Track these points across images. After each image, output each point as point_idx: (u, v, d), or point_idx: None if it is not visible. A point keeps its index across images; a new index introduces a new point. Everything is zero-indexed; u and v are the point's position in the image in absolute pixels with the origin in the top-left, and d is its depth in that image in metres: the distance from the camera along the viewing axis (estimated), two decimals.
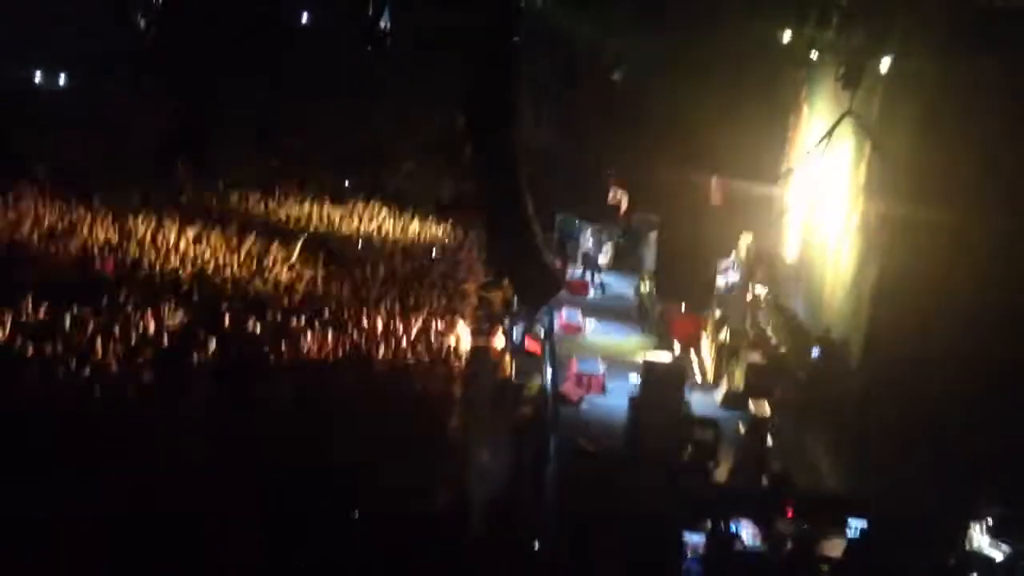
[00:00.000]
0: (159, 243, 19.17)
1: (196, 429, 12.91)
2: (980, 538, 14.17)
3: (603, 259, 26.38)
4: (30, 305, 15.18)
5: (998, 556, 13.94)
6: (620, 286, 26.01)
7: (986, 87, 15.17)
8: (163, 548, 10.48)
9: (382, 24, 28.72)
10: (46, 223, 19.40)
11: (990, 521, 14.08)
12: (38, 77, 26.02)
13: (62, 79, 26.22)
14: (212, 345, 14.90)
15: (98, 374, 13.85)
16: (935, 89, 16.41)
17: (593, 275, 25.82)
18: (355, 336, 16.46)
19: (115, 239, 19.11)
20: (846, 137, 19.72)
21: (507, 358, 19.06)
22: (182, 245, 19.12)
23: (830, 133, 19.74)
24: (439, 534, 12.20)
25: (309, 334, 15.82)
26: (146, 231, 19.50)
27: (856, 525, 14.61)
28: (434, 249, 21.62)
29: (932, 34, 16.77)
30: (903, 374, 15.94)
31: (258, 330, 15.85)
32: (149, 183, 22.26)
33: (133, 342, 15.01)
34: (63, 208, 20.14)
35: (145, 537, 10.51)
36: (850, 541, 14.44)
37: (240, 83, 26.58)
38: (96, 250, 18.45)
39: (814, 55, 20.38)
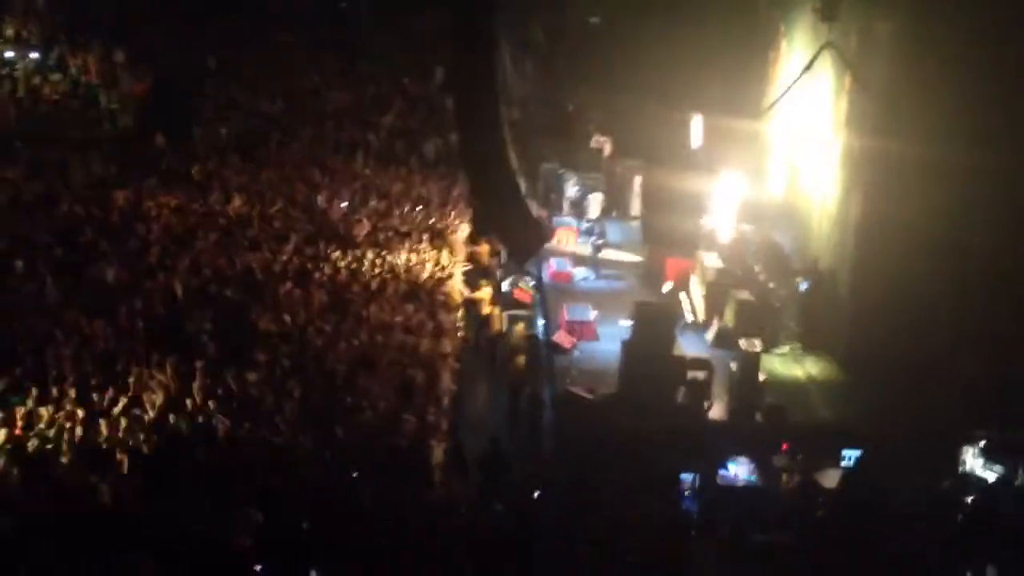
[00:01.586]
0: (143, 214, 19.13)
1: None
2: (973, 460, 14.35)
3: (594, 209, 26.01)
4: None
5: (991, 477, 14.13)
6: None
7: (963, 14, 15.11)
8: None
9: None
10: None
11: (982, 443, 14.26)
12: (9, 52, 25.66)
13: (33, 54, 25.86)
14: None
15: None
16: (911, 18, 16.34)
17: (579, 223, 25.67)
18: (346, 296, 16.52)
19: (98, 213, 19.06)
20: (826, 70, 19.64)
21: (496, 310, 19.11)
22: (165, 215, 19.08)
23: (809, 66, 19.65)
24: (435, 485, 12.32)
25: (299, 298, 15.87)
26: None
27: (850, 455, 14.78)
28: (420, 206, 21.55)
29: None
30: (891, 301, 16.06)
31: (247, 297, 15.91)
32: (128, 155, 22.08)
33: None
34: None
35: None
36: (845, 471, 14.61)
37: (212, 45, 26.34)
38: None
39: None
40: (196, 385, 13.35)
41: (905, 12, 16.56)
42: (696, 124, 24.62)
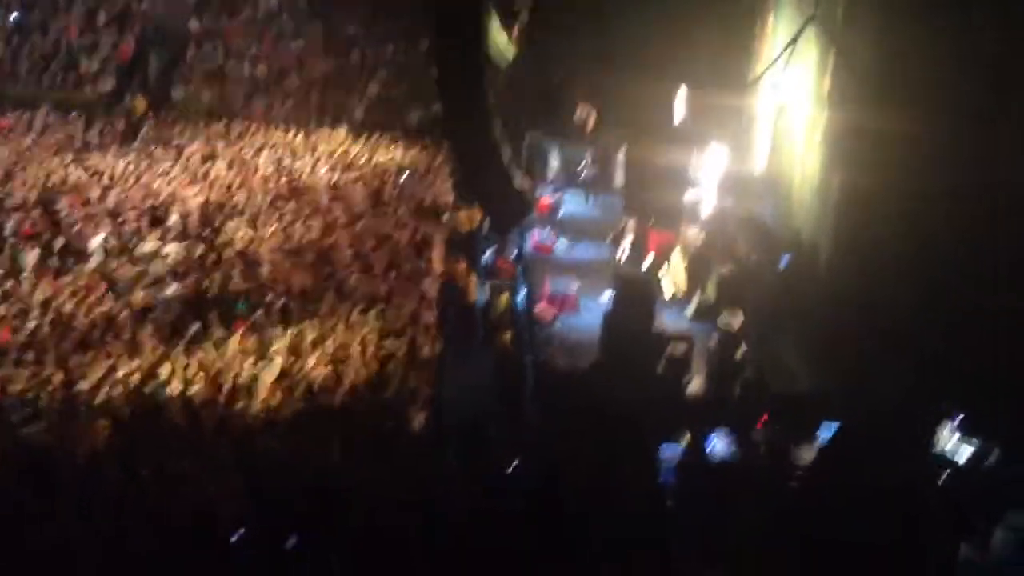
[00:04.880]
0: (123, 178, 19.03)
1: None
2: (948, 437, 14.41)
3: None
4: None
5: (966, 454, 14.21)
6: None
7: None
8: None
9: None
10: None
11: (957, 420, 14.33)
12: None
13: (14, 14, 25.56)
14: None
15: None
16: None
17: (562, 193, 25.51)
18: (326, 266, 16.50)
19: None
20: (811, 44, 19.60)
21: (472, 280, 19.06)
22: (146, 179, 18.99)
23: (794, 40, 19.60)
24: (416, 458, 12.35)
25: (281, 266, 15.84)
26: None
27: (827, 429, 14.82)
28: (403, 174, 21.49)
29: None
30: (871, 276, 16.07)
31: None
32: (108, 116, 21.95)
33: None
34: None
35: None
36: (822, 445, 14.66)
37: (196, 9, 26.13)
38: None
39: None
40: (175, 352, 13.35)
41: None
42: (681, 97, 24.54)
